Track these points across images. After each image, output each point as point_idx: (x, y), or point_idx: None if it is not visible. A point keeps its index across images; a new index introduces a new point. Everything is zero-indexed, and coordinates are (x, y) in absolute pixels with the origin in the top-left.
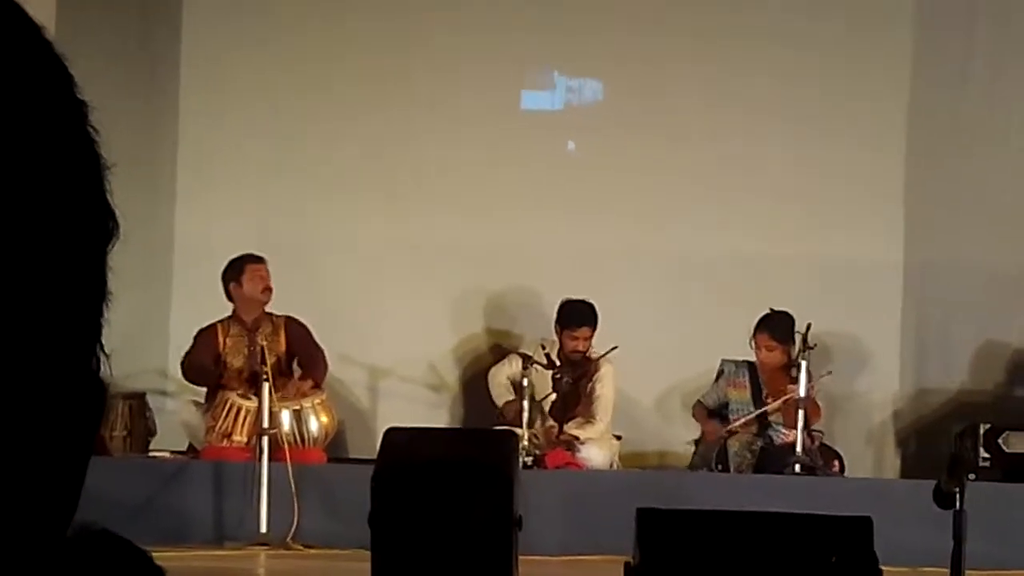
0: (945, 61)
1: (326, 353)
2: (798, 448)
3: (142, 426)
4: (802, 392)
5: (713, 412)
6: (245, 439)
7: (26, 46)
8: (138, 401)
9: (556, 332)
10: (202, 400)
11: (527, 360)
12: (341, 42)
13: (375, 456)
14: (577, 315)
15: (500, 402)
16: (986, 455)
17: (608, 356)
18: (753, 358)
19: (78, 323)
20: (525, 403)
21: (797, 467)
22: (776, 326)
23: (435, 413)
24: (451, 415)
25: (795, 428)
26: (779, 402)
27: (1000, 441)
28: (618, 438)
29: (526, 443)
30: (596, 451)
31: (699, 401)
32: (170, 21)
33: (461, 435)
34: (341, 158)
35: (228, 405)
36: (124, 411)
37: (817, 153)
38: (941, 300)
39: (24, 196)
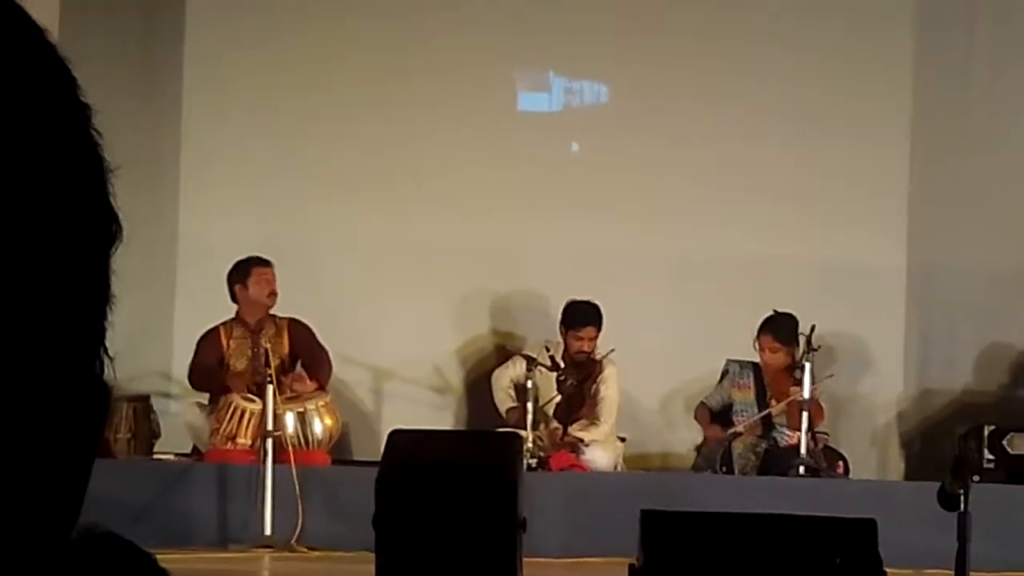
0: (946, 61)
1: (330, 354)
2: (802, 450)
3: (146, 428)
4: (806, 394)
5: (716, 414)
6: (249, 441)
7: (29, 49)
8: (142, 403)
9: (560, 333)
10: (206, 402)
11: (531, 362)
12: (342, 43)
13: (379, 458)
14: (581, 316)
15: (503, 407)
16: (990, 457)
17: (611, 357)
18: (758, 360)
19: (82, 326)
20: (529, 405)
21: (801, 469)
22: (779, 328)
23: (439, 415)
24: (455, 417)
25: (799, 430)
26: (782, 404)
27: (1004, 443)
28: (622, 440)
29: (530, 445)
30: (600, 453)
31: (702, 403)
32: (172, 23)
33: (465, 437)
34: (344, 158)
35: (232, 407)
36: (128, 413)
37: (820, 154)
38: (945, 301)
39: (27, 199)
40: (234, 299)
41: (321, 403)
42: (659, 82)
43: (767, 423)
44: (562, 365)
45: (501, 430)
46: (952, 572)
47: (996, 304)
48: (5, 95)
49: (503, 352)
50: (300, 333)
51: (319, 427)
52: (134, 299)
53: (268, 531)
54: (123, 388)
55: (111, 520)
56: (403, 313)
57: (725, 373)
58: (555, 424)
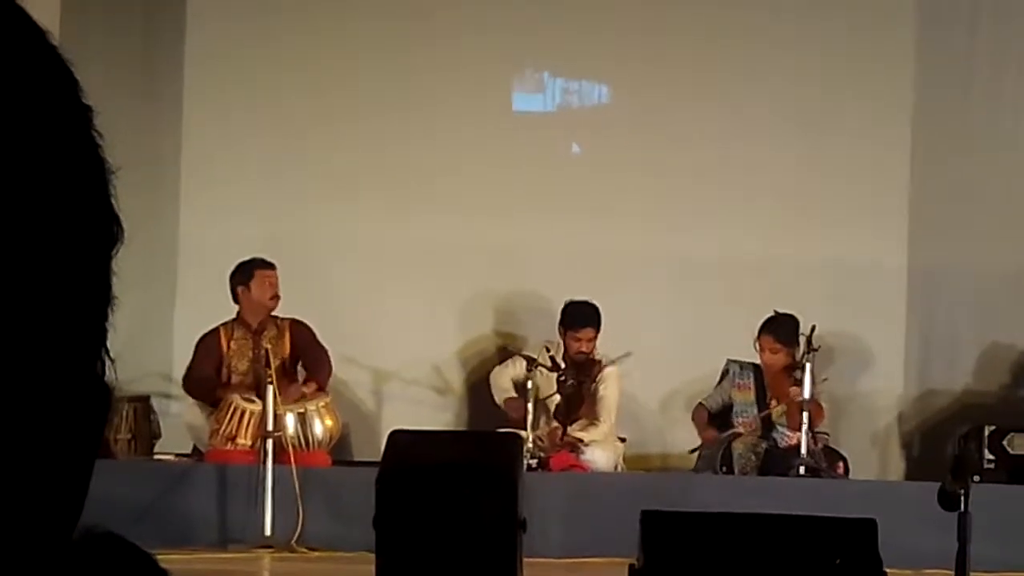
0: (947, 61)
1: (330, 355)
2: (802, 450)
3: (146, 429)
4: (806, 394)
5: (715, 415)
6: (249, 442)
7: (31, 51)
8: (142, 404)
9: (560, 334)
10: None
11: (531, 362)
12: (343, 43)
13: (379, 459)
14: (580, 316)
15: (501, 398)
16: (990, 457)
17: (611, 357)
18: (759, 360)
19: (83, 327)
20: (530, 405)
21: (801, 469)
22: (780, 328)
23: (439, 416)
24: (456, 418)
25: (799, 430)
26: (780, 406)
27: (1004, 443)
28: (622, 440)
29: (530, 445)
30: (600, 453)
31: (701, 404)
32: (173, 23)
33: (465, 438)
34: (345, 158)
35: (232, 408)
36: (128, 414)
37: (820, 153)
38: (945, 301)
39: (29, 201)
40: (236, 300)
41: (321, 404)
42: (659, 82)
43: (767, 423)
44: (562, 365)
45: (502, 430)
46: (952, 572)
47: (997, 304)
48: (7, 97)
49: (504, 353)
50: (301, 334)
51: (319, 428)
52: (134, 299)
53: (268, 532)
54: (123, 389)
55: (111, 521)
56: (403, 313)
57: (725, 373)
58: (555, 424)
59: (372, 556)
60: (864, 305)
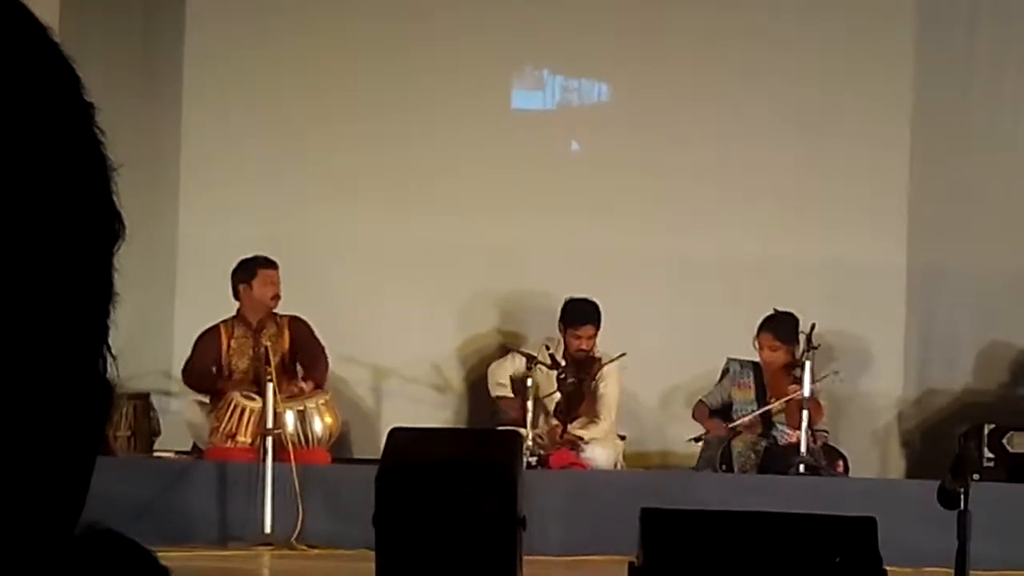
0: (947, 61)
1: (330, 355)
2: (802, 448)
3: (146, 426)
4: (806, 392)
5: (714, 413)
6: (249, 440)
7: (33, 48)
8: (142, 401)
9: (560, 331)
10: (206, 401)
11: (531, 359)
12: (343, 43)
13: (379, 456)
14: (580, 314)
15: (495, 393)
16: (990, 455)
17: (611, 355)
18: (758, 359)
19: (85, 324)
20: (529, 403)
21: (801, 467)
22: (779, 326)
23: (439, 413)
24: (455, 415)
25: (799, 428)
26: (780, 402)
27: (1004, 441)
28: (622, 438)
29: (530, 443)
30: (600, 451)
31: (700, 401)
32: (173, 23)
33: (465, 435)
34: (345, 158)
35: (232, 406)
36: (128, 411)
37: (820, 153)
38: (945, 300)
39: (32, 198)
40: (236, 297)
41: (321, 401)
42: (659, 82)
43: (767, 421)
44: (562, 363)
45: (501, 428)
46: (952, 571)
47: (996, 303)
48: (10, 94)
49: (504, 351)
50: (300, 330)
51: (319, 425)
52: (134, 298)
53: (268, 529)
54: (123, 386)
55: (111, 518)
56: (403, 313)
57: (726, 372)
58: (555, 422)
59: (372, 554)
60: (864, 305)
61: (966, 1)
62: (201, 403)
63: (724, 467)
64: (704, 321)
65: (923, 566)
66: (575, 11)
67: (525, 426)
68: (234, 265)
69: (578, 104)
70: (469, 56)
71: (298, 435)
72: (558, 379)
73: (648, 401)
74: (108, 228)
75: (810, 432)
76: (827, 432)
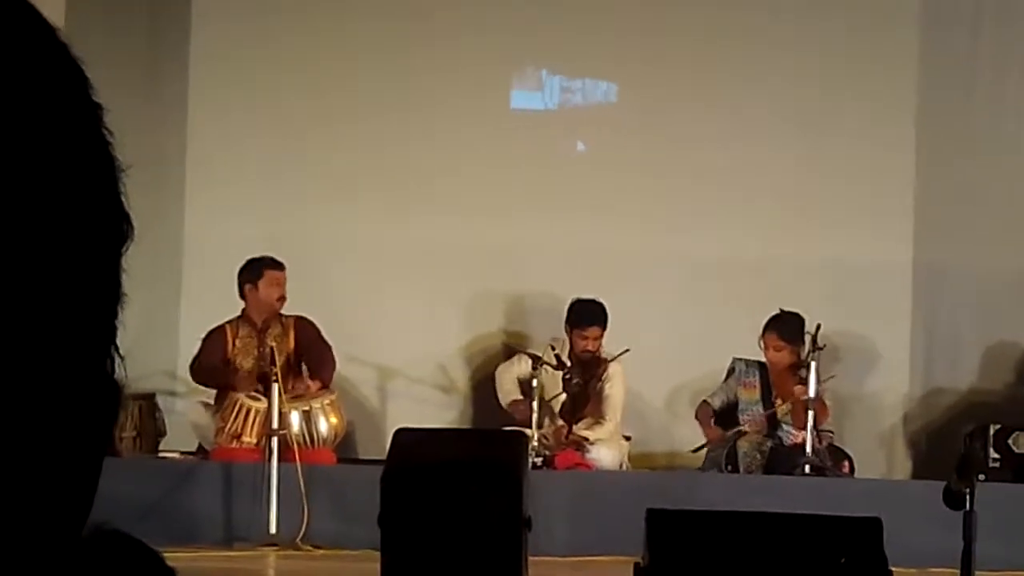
0: (951, 62)
1: (334, 353)
2: (807, 449)
3: (152, 427)
4: (811, 392)
5: (719, 413)
6: (255, 440)
7: (42, 48)
8: (148, 402)
9: (566, 332)
10: (211, 401)
11: (536, 360)
12: (346, 43)
13: (385, 457)
14: (587, 315)
15: (505, 400)
16: (996, 456)
17: (619, 357)
18: (765, 360)
19: (94, 325)
20: (535, 404)
21: (807, 468)
22: (784, 326)
23: (444, 414)
24: (460, 416)
25: (804, 429)
26: (785, 404)
27: (1010, 441)
28: (627, 439)
29: (536, 444)
30: (605, 452)
31: (705, 401)
32: (178, 23)
33: (471, 436)
34: (345, 158)
35: (237, 406)
36: (134, 412)
37: (825, 154)
38: (950, 300)
39: (41, 198)
40: (242, 296)
41: (326, 401)
42: (659, 82)
43: (772, 422)
44: (568, 364)
45: (507, 429)
46: (958, 571)
47: (1002, 303)
48: (18, 94)
49: (509, 351)
50: (305, 331)
51: (324, 426)
52: (140, 298)
53: (273, 529)
54: (129, 386)
55: (116, 518)
56: (404, 313)
57: (731, 371)
58: (560, 423)
59: (377, 554)
60: (869, 305)
61: (970, 3)
62: (206, 404)
63: (729, 468)
64: (707, 321)
65: (928, 567)
66: (575, 11)
67: (529, 422)
68: (240, 265)
69: (578, 104)
70: (469, 56)
71: (303, 435)
72: (563, 380)
73: (653, 402)
74: (117, 229)
75: (815, 432)
76: (832, 432)
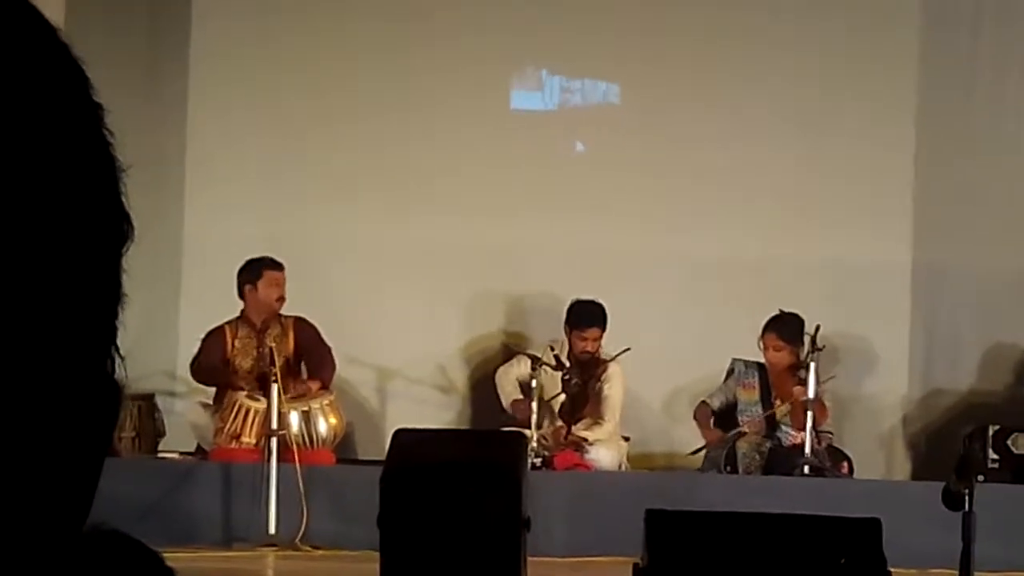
0: (951, 62)
1: (334, 354)
2: (806, 450)
3: (151, 427)
4: (810, 393)
5: (718, 414)
6: (254, 440)
7: (44, 48)
8: (147, 402)
9: (565, 333)
10: (210, 401)
11: (536, 361)
12: (346, 43)
13: (384, 457)
14: (586, 316)
15: (507, 401)
16: (995, 456)
17: (618, 357)
18: (764, 360)
19: (94, 325)
20: (534, 404)
21: (806, 469)
22: (784, 327)
23: (443, 414)
24: (460, 416)
25: (803, 430)
26: (785, 405)
27: (1009, 442)
28: (626, 439)
29: (535, 444)
30: (605, 452)
31: (704, 402)
32: (178, 23)
33: (470, 436)
34: (345, 158)
35: (237, 406)
36: (133, 412)
37: (825, 154)
38: (950, 301)
39: (41, 199)
40: (242, 296)
41: (326, 402)
42: (659, 82)
43: (771, 423)
44: (567, 365)
45: (506, 429)
46: (957, 572)
47: (1001, 304)
48: (20, 94)
49: (508, 352)
50: (305, 332)
51: (324, 426)
52: (139, 298)
53: (272, 530)
54: (128, 387)
55: (115, 519)
56: (404, 313)
57: (731, 372)
58: (559, 423)
59: (376, 555)
60: (868, 306)
61: (970, 3)
62: (205, 404)
63: (729, 468)
64: (706, 322)
65: (928, 567)
66: (575, 11)
67: (530, 422)
68: (240, 265)
69: (578, 104)
70: (469, 56)
71: (303, 436)
72: (563, 380)
73: (652, 402)
74: (117, 229)
75: (815, 433)
76: (832, 433)
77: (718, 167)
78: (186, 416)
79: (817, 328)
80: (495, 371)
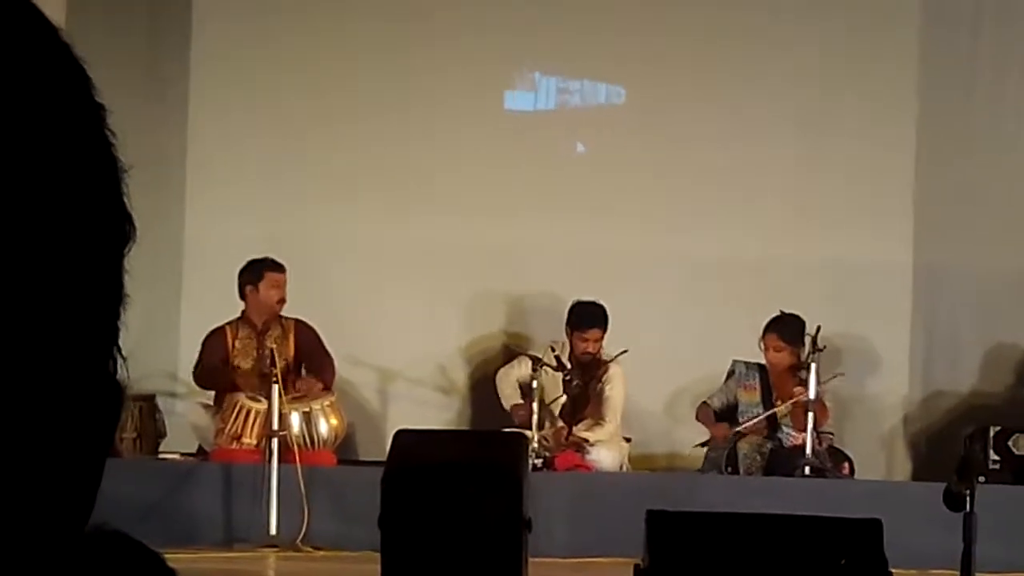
0: (951, 62)
1: (335, 357)
2: (808, 450)
3: (152, 428)
4: (811, 394)
5: (717, 415)
6: (254, 441)
7: (44, 48)
8: (148, 403)
9: (566, 334)
10: (211, 402)
11: (537, 362)
12: (347, 44)
13: (385, 458)
14: (587, 317)
15: (508, 404)
16: (996, 457)
17: (618, 358)
18: (764, 360)
19: (96, 326)
20: (535, 405)
21: (807, 469)
22: (785, 327)
23: (444, 415)
24: (460, 417)
25: (804, 430)
26: (786, 405)
27: (1010, 443)
28: (627, 440)
29: (536, 445)
30: (606, 453)
31: (704, 403)
32: (179, 23)
33: (471, 437)
34: (345, 158)
35: (237, 407)
36: (134, 413)
37: (825, 155)
38: (950, 302)
39: (43, 199)
40: (242, 297)
41: (326, 403)
42: (659, 82)
43: (772, 423)
44: (568, 366)
45: (506, 430)
46: (958, 573)
47: (1002, 305)
48: (21, 95)
49: (509, 352)
50: (306, 336)
51: (324, 427)
52: (140, 299)
53: (273, 531)
54: (129, 387)
55: (116, 519)
56: (404, 313)
57: (731, 373)
58: (560, 424)
59: (377, 555)
60: (869, 306)
61: (970, 3)
62: (206, 405)
63: (729, 469)
64: (707, 322)
65: (929, 568)
66: (575, 12)
67: (531, 425)
68: (240, 266)
69: (578, 104)
70: (469, 56)
71: (304, 437)
72: (564, 381)
73: (653, 403)
74: (119, 229)
75: (815, 434)
76: (832, 434)
77: (718, 167)
78: (187, 417)
79: (818, 329)
80: (496, 372)
